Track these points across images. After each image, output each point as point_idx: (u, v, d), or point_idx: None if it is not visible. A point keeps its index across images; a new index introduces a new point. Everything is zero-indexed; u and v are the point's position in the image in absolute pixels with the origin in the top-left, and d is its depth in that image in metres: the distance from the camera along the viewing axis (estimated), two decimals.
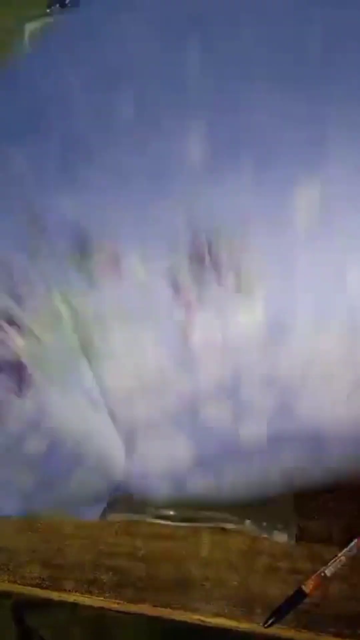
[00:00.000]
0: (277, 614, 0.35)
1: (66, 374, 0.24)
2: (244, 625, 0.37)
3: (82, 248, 0.23)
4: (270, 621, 0.35)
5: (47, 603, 0.41)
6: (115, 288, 0.23)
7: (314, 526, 0.39)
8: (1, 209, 0.24)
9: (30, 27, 0.70)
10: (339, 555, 0.36)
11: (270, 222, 0.22)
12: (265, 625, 0.35)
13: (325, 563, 0.37)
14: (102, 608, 0.39)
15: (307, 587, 0.36)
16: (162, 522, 0.40)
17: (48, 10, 0.74)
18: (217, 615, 0.37)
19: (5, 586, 0.40)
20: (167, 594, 0.38)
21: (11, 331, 0.24)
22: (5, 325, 0.24)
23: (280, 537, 0.38)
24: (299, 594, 0.36)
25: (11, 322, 0.24)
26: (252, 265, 0.22)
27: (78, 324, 0.24)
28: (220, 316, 0.23)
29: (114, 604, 0.39)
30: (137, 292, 0.23)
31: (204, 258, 0.23)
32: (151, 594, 0.38)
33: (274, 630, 0.35)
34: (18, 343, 0.24)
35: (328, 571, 0.36)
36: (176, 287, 0.23)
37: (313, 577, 0.36)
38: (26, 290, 0.24)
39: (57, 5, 0.75)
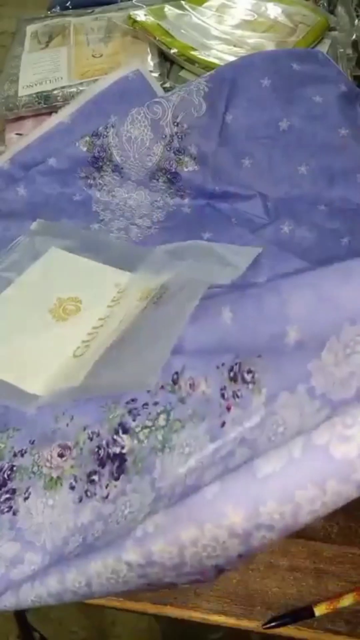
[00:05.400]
0: (279, 621, 0.35)
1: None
2: (243, 623, 0.37)
3: None
4: (270, 624, 0.35)
5: None
6: None
7: (313, 523, 0.39)
8: None
9: (31, 29, 0.70)
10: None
11: None
12: (264, 627, 0.36)
13: (324, 560, 0.37)
14: (102, 605, 0.39)
15: (319, 610, 0.35)
16: None
17: (49, 13, 0.75)
18: (217, 612, 0.37)
19: None
20: (167, 592, 0.38)
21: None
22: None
23: None
24: (307, 612, 0.35)
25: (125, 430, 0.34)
26: None
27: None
28: None
29: (114, 602, 0.39)
30: None
31: None
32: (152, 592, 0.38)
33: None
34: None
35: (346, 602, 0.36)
36: None
37: (328, 604, 0.35)
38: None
39: (58, 7, 0.75)
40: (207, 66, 0.60)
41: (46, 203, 0.54)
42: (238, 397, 0.31)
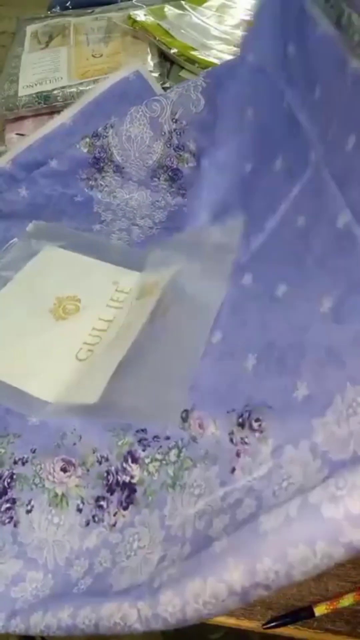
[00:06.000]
0: (279, 621, 0.35)
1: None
2: (243, 623, 0.37)
3: None
4: (270, 624, 0.35)
5: None
6: None
7: None
8: None
9: (31, 29, 0.70)
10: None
11: None
12: (264, 627, 0.36)
13: None
14: None
15: (319, 610, 0.35)
16: None
17: (49, 13, 0.75)
18: None
19: None
20: None
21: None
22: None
23: None
24: (307, 612, 0.35)
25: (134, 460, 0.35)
26: None
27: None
28: None
29: None
30: None
31: None
32: None
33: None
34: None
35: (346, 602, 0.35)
36: None
37: (328, 604, 0.35)
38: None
39: (58, 7, 0.75)
40: (207, 66, 0.60)
41: (47, 204, 0.54)
42: (246, 443, 0.32)
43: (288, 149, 0.41)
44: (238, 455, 0.32)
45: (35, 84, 0.61)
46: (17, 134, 0.61)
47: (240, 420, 0.33)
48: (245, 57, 0.47)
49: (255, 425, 0.32)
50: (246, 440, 0.32)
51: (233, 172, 0.48)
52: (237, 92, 0.48)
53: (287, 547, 0.23)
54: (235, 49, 0.63)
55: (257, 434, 0.31)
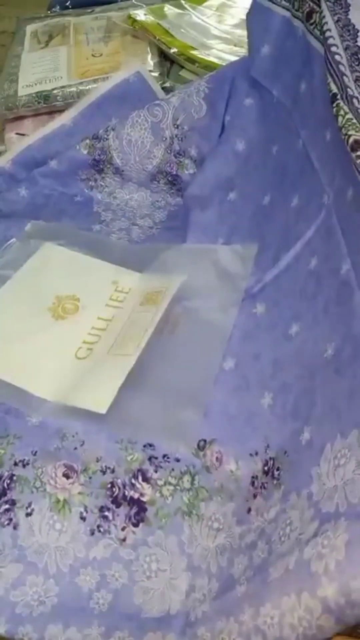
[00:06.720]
0: None
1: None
2: None
3: None
4: None
5: None
6: None
7: None
8: None
9: (31, 28, 0.70)
10: None
11: None
12: None
13: None
14: None
15: None
16: None
17: (49, 12, 0.75)
18: None
19: None
20: None
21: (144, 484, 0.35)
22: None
23: None
24: None
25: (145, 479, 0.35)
26: None
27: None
28: None
29: None
30: None
31: None
32: None
33: None
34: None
35: None
36: None
37: None
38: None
39: (58, 7, 0.75)
40: (207, 65, 0.60)
41: (47, 204, 0.54)
42: (265, 488, 0.33)
43: (304, 188, 0.41)
44: (255, 497, 0.33)
45: (35, 84, 0.61)
46: (16, 133, 0.61)
47: (265, 468, 0.34)
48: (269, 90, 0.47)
49: (276, 474, 0.33)
50: (265, 485, 0.33)
51: (251, 200, 0.48)
52: (264, 129, 0.48)
53: (283, 595, 0.25)
54: (235, 48, 0.63)
55: (275, 481, 0.33)
